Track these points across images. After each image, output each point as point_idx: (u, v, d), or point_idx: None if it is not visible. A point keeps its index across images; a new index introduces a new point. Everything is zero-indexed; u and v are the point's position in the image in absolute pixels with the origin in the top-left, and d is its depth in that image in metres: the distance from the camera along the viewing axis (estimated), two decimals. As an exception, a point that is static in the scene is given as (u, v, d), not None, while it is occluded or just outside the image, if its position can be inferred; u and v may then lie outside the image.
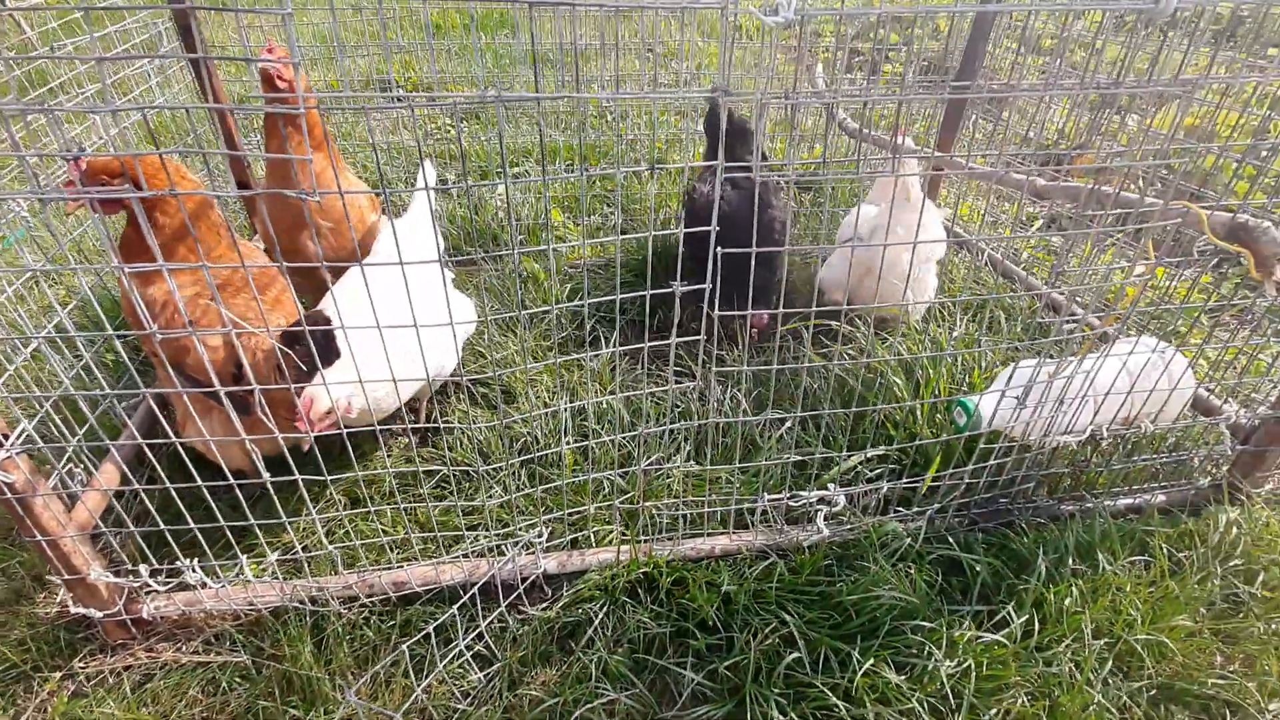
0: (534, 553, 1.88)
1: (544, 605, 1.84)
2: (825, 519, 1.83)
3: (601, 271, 3.22)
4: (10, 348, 1.84)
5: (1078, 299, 2.39)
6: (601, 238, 3.43)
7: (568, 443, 2.13)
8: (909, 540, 1.82)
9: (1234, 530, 1.90)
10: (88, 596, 1.68)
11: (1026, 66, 4.69)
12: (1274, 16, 3.79)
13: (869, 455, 1.99)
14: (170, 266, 1.23)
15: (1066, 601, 1.72)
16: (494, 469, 2.06)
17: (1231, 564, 1.84)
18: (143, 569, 1.66)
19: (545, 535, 1.87)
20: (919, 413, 2.07)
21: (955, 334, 2.46)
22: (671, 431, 2.14)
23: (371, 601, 1.80)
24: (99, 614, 1.69)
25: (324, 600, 1.77)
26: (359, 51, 5.71)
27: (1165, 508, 2.04)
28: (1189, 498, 2.06)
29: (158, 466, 1.54)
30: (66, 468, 1.70)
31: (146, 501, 1.61)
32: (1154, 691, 1.63)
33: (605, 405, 2.22)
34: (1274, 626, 1.72)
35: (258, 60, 2.11)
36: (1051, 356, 1.77)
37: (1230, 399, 2.20)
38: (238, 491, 1.56)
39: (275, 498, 1.59)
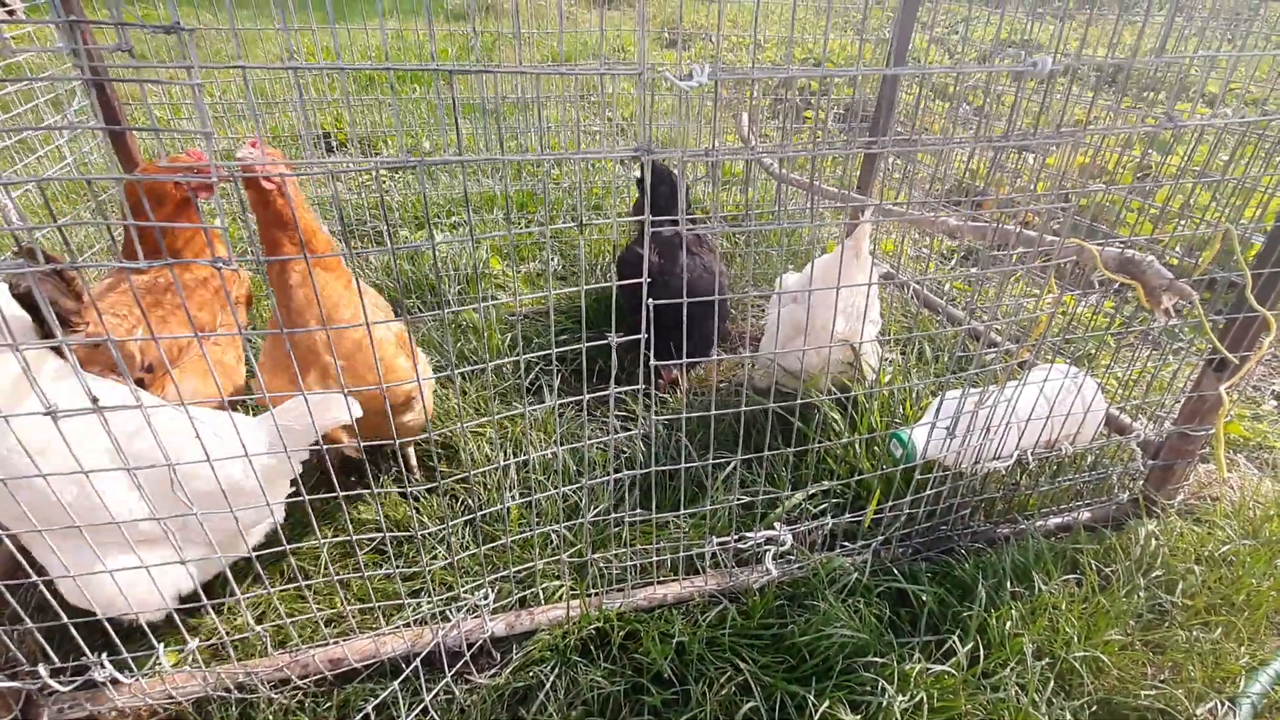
0: (480, 616, 1.81)
1: (492, 671, 1.77)
2: (774, 559, 1.84)
3: (542, 319, 3.21)
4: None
5: (995, 329, 2.52)
6: (540, 286, 3.44)
7: (512, 497, 2.08)
8: (856, 575, 1.84)
9: (1153, 542, 2.01)
10: (-23, 706, 1.52)
11: (934, 111, 5.05)
12: (1145, 64, 4.22)
13: (812, 492, 2.03)
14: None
15: (1008, 625, 1.77)
16: (435, 530, 1.99)
17: (1154, 575, 1.94)
18: (42, 669, 1.50)
19: (491, 596, 1.80)
20: (858, 447, 2.12)
21: (888, 367, 2.55)
22: (618, 480, 2.13)
23: (306, 683, 1.69)
24: (-9, 724, 1.53)
25: (252, 686, 1.65)
26: (288, 106, 5.64)
27: (1090, 524, 2.14)
28: (1111, 513, 2.17)
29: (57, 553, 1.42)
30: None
31: (45, 592, 1.47)
32: (1094, 708, 1.69)
33: (549, 457, 2.19)
34: (1195, 634, 1.81)
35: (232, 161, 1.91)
36: (974, 385, 1.85)
37: (1140, 416, 2.35)
38: (150, 575, 1.45)
39: (195, 579, 1.49)
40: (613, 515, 1.95)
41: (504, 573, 1.87)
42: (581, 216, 1.23)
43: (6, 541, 1.42)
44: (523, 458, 2.15)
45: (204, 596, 1.49)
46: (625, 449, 2.39)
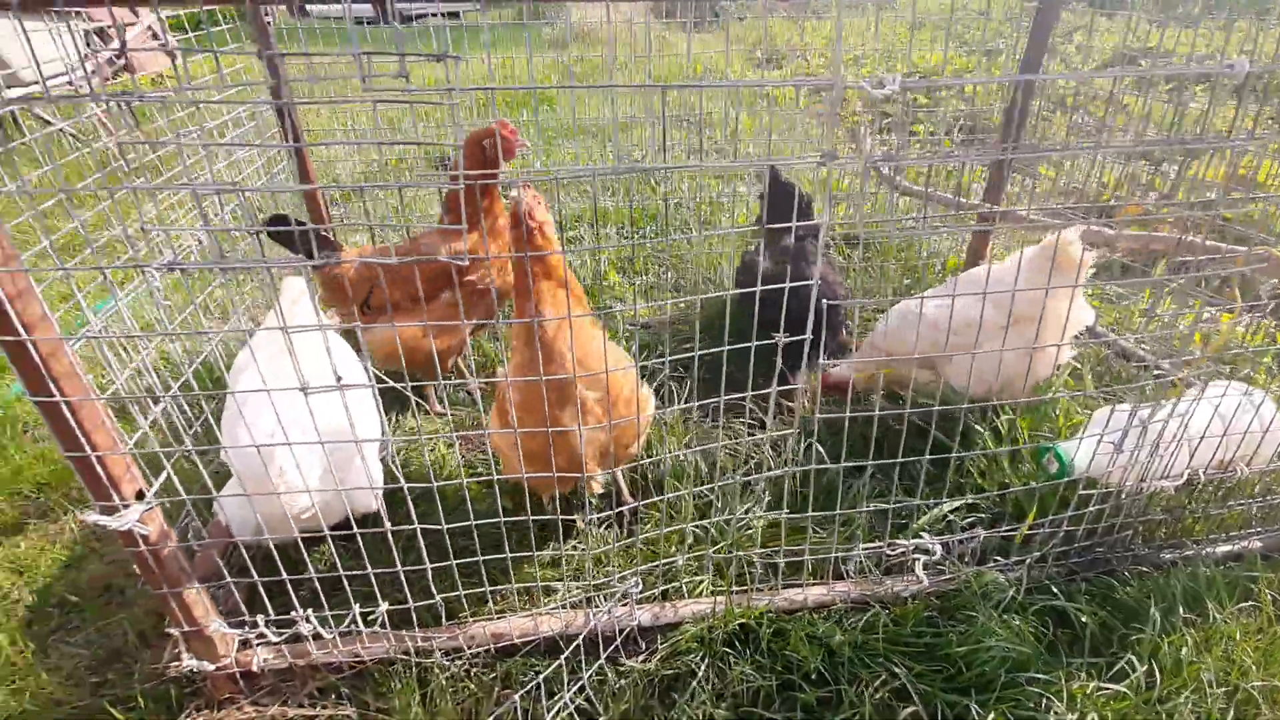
0: (628, 604, 1.88)
1: (641, 657, 1.84)
2: (923, 568, 1.82)
3: (664, 327, 3.29)
4: (142, 406, 1.94)
5: (1164, 346, 2.40)
6: (653, 298, 3.54)
7: (682, 492, 2.12)
8: (1013, 590, 1.80)
9: (1340, 577, 1.86)
10: (202, 649, 1.71)
11: (1054, 122, 4.85)
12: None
13: (958, 504, 2.00)
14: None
15: (1183, 651, 1.68)
16: (591, 519, 2.08)
17: (1342, 612, 1.79)
18: (260, 619, 1.69)
19: (641, 585, 1.88)
20: (1004, 460, 2.08)
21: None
22: (749, 482, 2.16)
23: (471, 654, 1.81)
24: (212, 666, 1.72)
25: (427, 652, 1.79)
26: (421, 127, 6.04)
27: (1265, 553, 2.00)
28: (1288, 543, 2.02)
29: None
30: (185, 521, 1.76)
31: (274, 550, 1.66)
32: (1283, 744, 1.58)
33: (690, 457, 2.24)
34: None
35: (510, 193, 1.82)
36: (1146, 401, 1.78)
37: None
38: (360, 540, 1.61)
39: (395, 547, 1.64)
40: (759, 515, 1.98)
41: (650, 565, 1.94)
42: (702, 228, 1.30)
43: (229, 506, 1.62)
44: (677, 453, 2.22)
45: (399, 562, 1.64)
46: (754, 453, 2.43)
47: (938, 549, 1.83)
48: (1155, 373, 1.70)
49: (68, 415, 1.32)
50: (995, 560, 1.91)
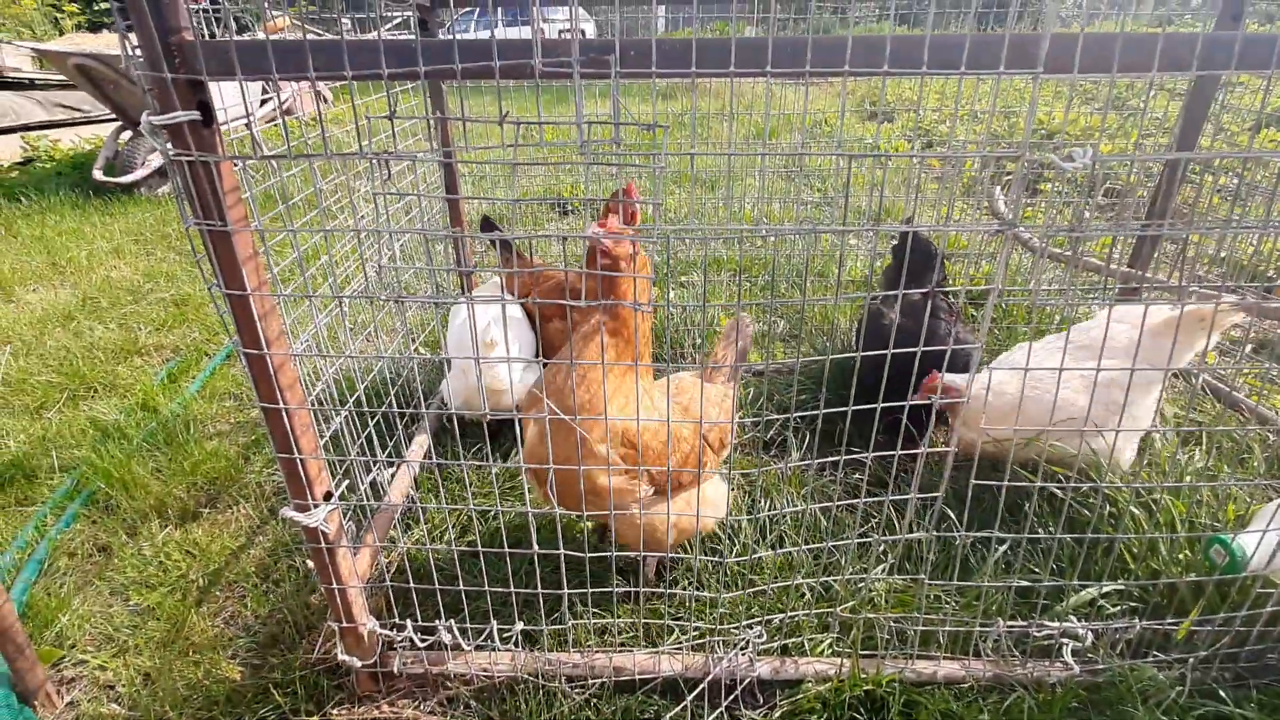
0: (748, 654, 1.88)
1: (761, 711, 1.82)
2: (1072, 654, 1.72)
3: (776, 376, 3.32)
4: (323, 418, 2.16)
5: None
6: (774, 345, 3.57)
7: (796, 546, 2.13)
8: (1179, 689, 1.66)
9: None
10: (354, 645, 1.85)
11: (1201, 186, 4.57)
12: None
13: (1106, 589, 1.88)
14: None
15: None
16: (717, 562, 2.11)
17: None
18: (408, 624, 1.82)
19: (765, 636, 1.87)
20: (1161, 547, 1.94)
21: (1197, 465, 2.30)
22: (866, 544, 2.12)
23: (591, 684, 1.86)
24: (359, 663, 1.86)
25: (551, 675, 1.85)
26: (532, 171, 6.45)
27: None
28: None
29: (431, 528, 1.73)
30: (349, 525, 1.93)
31: (456, 559, 1.79)
32: None
33: (815, 513, 2.24)
34: None
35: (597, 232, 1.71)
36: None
37: None
38: (508, 561, 1.71)
39: (538, 569, 1.73)
40: (895, 579, 1.94)
41: (771, 616, 1.93)
42: (807, 279, 1.33)
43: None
44: (813, 506, 2.22)
45: (539, 584, 1.73)
46: (874, 514, 2.38)
47: (1089, 636, 1.72)
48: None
49: (286, 421, 1.51)
50: (1153, 655, 1.77)
